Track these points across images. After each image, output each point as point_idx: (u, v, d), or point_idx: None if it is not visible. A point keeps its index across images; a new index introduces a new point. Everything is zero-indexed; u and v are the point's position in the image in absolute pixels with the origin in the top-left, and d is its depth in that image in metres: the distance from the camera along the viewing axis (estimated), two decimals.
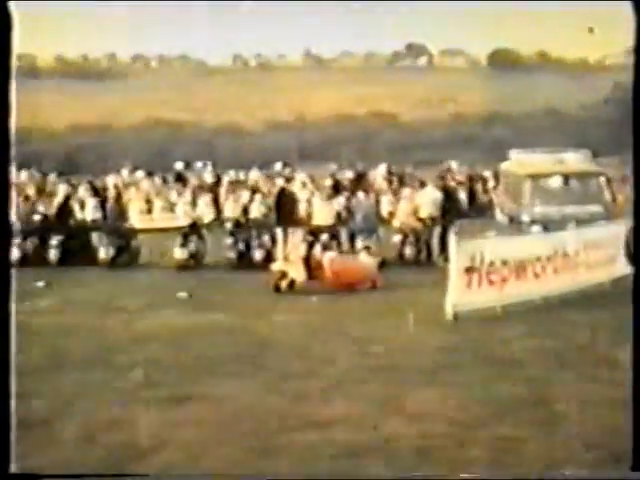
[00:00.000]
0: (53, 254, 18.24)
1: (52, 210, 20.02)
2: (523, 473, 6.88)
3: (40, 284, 15.60)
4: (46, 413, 8.23)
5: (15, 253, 18.27)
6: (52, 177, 25.27)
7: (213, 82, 51.97)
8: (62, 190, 22.27)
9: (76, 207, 20.55)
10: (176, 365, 10.00)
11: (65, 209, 20.17)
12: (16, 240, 18.44)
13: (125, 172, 27.27)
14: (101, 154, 41.19)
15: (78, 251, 18.52)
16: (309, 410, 8.28)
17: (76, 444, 7.52)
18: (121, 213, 19.78)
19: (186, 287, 14.93)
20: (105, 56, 65.52)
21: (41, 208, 20.00)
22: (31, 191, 22.50)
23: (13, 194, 21.34)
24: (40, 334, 11.61)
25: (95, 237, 18.51)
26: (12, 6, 6.08)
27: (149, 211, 23.39)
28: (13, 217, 19.48)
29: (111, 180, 25.25)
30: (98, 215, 20.38)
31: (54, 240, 18.35)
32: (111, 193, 22.74)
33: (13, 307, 6.58)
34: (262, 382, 9.21)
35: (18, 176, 24.86)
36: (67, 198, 20.76)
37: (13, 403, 6.53)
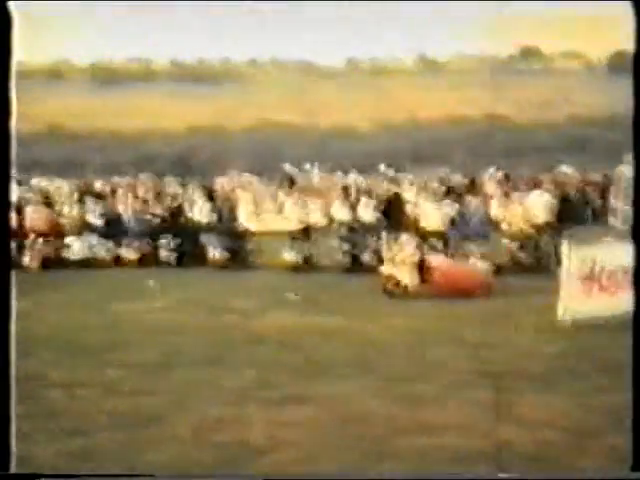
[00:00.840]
0: (167, 255, 18.59)
1: (166, 211, 20.39)
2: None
3: (155, 283, 15.89)
4: (160, 410, 8.34)
5: (131, 254, 18.74)
6: (167, 179, 25.70)
7: (325, 85, 52.35)
8: (176, 191, 22.68)
9: (189, 208, 20.88)
10: (288, 366, 10.04)
11: (178, 210, 20.52)
12: (131, 241, 18.87)
13: (237, 174, 27.55)
14: (214, 156, 41.82)
15: (191, 252, 18.83)
16: (421, 414, 8.22)
17: (189, 442, 7.60)
18: (233, 215, 19.98)
19: (297, 289, 15.00)
20: (219, 59, 66.70)
21: (155, 209, 20.40)
22: (146, 192, 22.95)
23: (129, 195, 21.92)
24: (155, 333, 11.84)
25: (207, 238, 18.77)
26: (12, 6, 6.13)
27: (260, 213, 23.57)
28: (129, 217, 19.96)
29: (223, 182, 25.57)
30: (210, 216, 20.68)
31: (168, 241, 18.70)
32: (223, 195, 23.04)
33: (13, 307, 6.66)
34: (373, 385, 9.18)
35: (136, 177, 25.43)
36: (181, 199, 21.11)
37: (13, 403, 6.59)
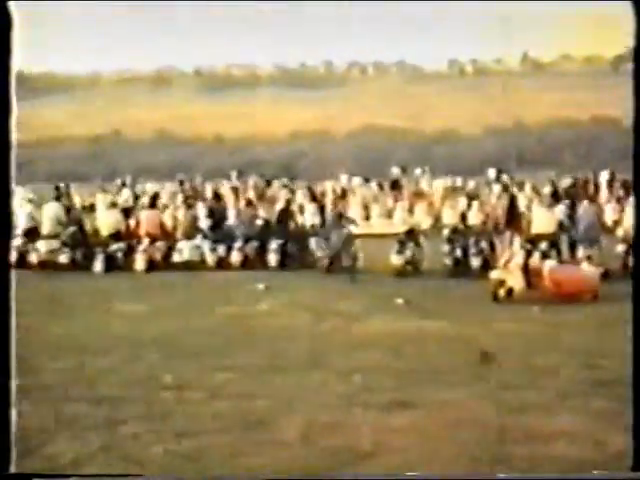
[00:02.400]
0: (273, 258, 18.72)
1: (272, 215, 20.56)
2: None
3: (261, 287, 16.02)
4: (266, 414, 8.36)
5: (238, 257, 18.94)
6: (273, 183, 25.94)
7: (429, 88, 51.95)
8: (283, 195, 22.87)
9: (296, 212, 21.03)
10: (394, 371, 9.97)
11: (285, 214, 20.66)
12: (237, 244, 19.08)
13: (343, 178, 27.65)
14: (318, 160, 41.97)
15: (297, 255, 18.94)
16: (530, 422, 8.05)
17: (295, 446, 7.59)
18: (339, 219, 20.00)
19: (403, 293, 14.90)
20: (322, 64, 66.84)
21: (262, 213, 20.60)
22: (253, 196, 23.22)
23: (236, 199, 22.17)
24: (261, 336, 11.91)
25: (313, 242, 18.83)
26: (12, 6, 6.14)
27: (366, 217, 23.60)
28: (236, 221, 20.20)
29: (329, 186, 25.69)
30: (316, 220, 20.78)
31: (274, 244, 18.83)
32: (329, 199, 23.14)
33: (13, 307, 6.66)
34: (481, 392, 9.03)
35: (243, 182, 25.76)
36: (287, 203, 21.27)
37: (13, 403, 6.61)
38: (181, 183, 25.64)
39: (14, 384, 6.31)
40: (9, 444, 6.08)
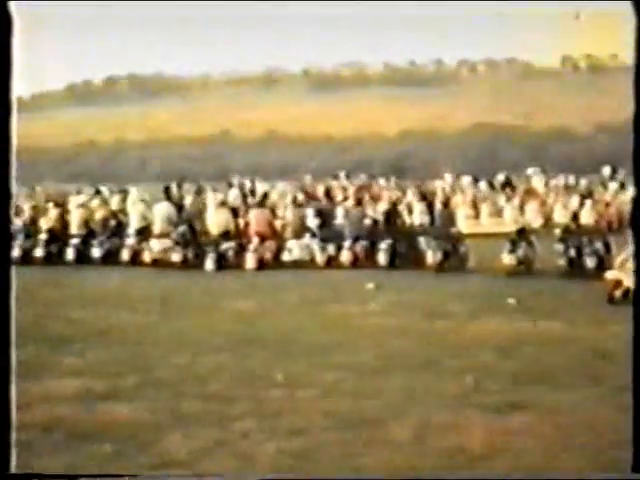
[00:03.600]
0: (383, 257, 18.67)
1: (381, 214, 20.52)
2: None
3: (370, 286, 15.98)
4: (378, 413, 8.31)
5: (346, 255, 18.95)
6: (382, 182, 25.89)
7: (541, 85, 51.12)
8: (390, 194, 22.81)
9: (404, 211, 20.94)
10: (506, 372, 9.81)
11: (394, 213, 20.60)
12: (347, 243, 19.09)
13: (451, 177, 27.44)
14: (427, 159, 41.74)
15: (406, 255, 18.84)
16: None
17: (407, 446, 7.53)
18: (448, 218, 19.84)
19: (515, 294, 14.67)
20: (432, 62, 66.44)
21: (370, 212, 20.57)
22: (362, 196, 23.20)
23: (345, 198, 22.18)
24: (371, 335, 11.87)
25: (423, 241, 18.71)
26: (12, 6, 6.12)
27: (476, 216, 23.35)
28: (343, 220, 20.22)
29: (438, 185, 25.52)
30: (425, 219, 20.66)
31: (384, 244, 18.79)
32: (438, 198, 22.96)
33: (13, 307, 6.63)
34: (598, 394, 8.81)
35: (352, 181, 25.80)
36: (395, 202, 21.20)
37: (13, 404, 6.58)
38: (289, 182, 25.82)
39: (14, 387, 6.35)
40: (9, 444, 6.14)
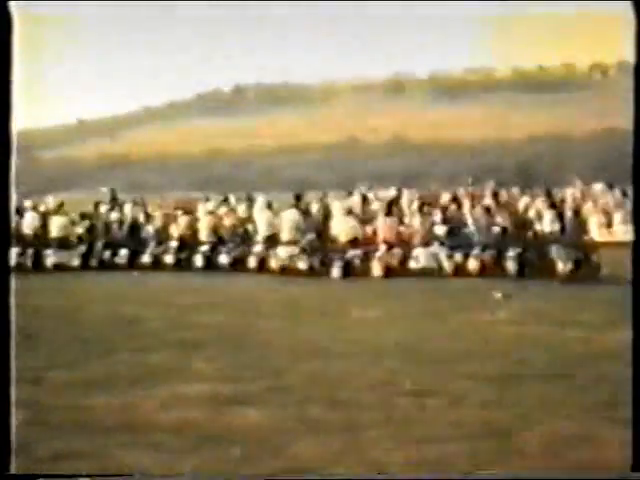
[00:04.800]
0: (512, 266, 18.42)
1: (510, 222, 20.24)
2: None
3: (498, 295, 15.78)
4: (507, 424, 8.18)
5: (473, 264, 18.76)
6: (512, 189, 25.55)
7: None
8: (520, 202, 22.47)
9: (534, 219, 20.60)
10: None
11: (523, 221, 20.30)
12: (475, 251, 18.90)
13: (582, 184, 26.88)
14: (557, 165, 40.97)
15: (536, 263, 18.54)
16: None
17: (537, 458, 7.39)
18: (580, 226, 19.43)
19: None
20: (561, 66, 65.21)
21: (499, 219, 20.31)
22: (490, 202, 22.92)
23: (467, 204, 21.94)
24: (499, 344, 11.72)
25: (553, 250, 18.37)
26: (12, 6, 6.06)
27: (609, 224, 22.82)
28: (471, 228, 20.03)
29: (568, 191, 25.02)
30: (556, 227, 20.26)
31: (512, 252, 18.54)
32: (568, 205, 22.51)
33: (13, 310, 6.56)
34: None
35: (479, 188, 25.51)
36: (524, 210, 20.89)
37: (13, 403, 6.52)
38: (417, 188, 25.70)
39: (13, 390, 6.41)
40: (9, 444, 6.19)
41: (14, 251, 22.86)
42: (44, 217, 24.18)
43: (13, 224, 23.87)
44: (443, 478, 6.91)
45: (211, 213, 23.46)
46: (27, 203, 25.87)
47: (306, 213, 22.38)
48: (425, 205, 22.12)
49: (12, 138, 5.97)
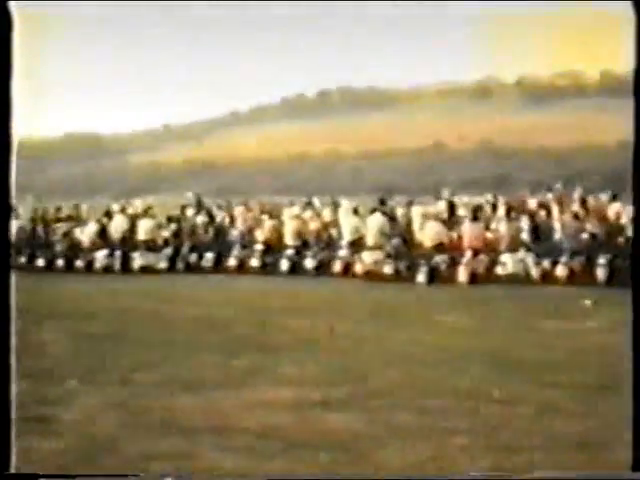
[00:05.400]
0: (601, 273, 18.10)
1: (601, 228, 19.88)
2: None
3: (588, 302, 15.51)
4: (598, 434, 8.02)
5: (562, 271, 18.46)
6: (600, 195, 25.04)
7: None
8: (609, 208, 22.03)
9: (626, 225, 20.18)
10: None
11: (613, 227, 19.92)
12: (563, 258, 18.60)
13: None
14: None
15: (626, 271, 18.14)
16: None
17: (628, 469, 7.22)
18: None
19: None
20: None
21: (589, 226, 19.96)
22: (579, 208, 22.53)
23: (556, 210, 21.58)
24: (589, 354, 11.49)
25: None
26: (12, 6, 5.97)
27: None
28: (560, 234, 19.72)
29: None
30: None
31: (603, 259, 18.20)
32: None
33: (13, 311, 6.45)
34: None
35: (568, 194, 25.09)
36: (616, 216, 20.49)
37: (13, 403, 6.42)
38: (501, 194, 25.39)
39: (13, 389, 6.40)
40: (9, 444, 6.16)
41: (102, 253, 23.30)
42: (132, 220, 24.56)
43: (101, 227, 24.29)
44: (444, 478, 6.83)
45: (296, 217, 23.56)
46: (115, 206, 26.33)
47: (391, 218, 22.31)
48: (512, 211, 21.85)
49: (12, 138, 6.03)
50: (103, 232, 24.36)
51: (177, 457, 7.03)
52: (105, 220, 24.93)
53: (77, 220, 26.28)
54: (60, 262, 23.88)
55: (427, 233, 20.74)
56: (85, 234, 24.46)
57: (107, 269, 23.10)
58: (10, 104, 5.97)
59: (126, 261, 23.23)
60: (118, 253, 23.33)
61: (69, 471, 6.83)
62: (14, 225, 25.55)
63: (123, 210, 25.44)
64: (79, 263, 23.57)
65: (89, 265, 23.37)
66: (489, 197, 24.97)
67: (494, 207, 22.81)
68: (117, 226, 24.31)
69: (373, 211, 22.09)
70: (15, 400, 8.98)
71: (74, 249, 24.19)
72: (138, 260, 23.19)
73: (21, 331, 13.59)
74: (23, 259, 24.41)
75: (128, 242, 23.80)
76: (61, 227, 25.26)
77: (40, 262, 24.13)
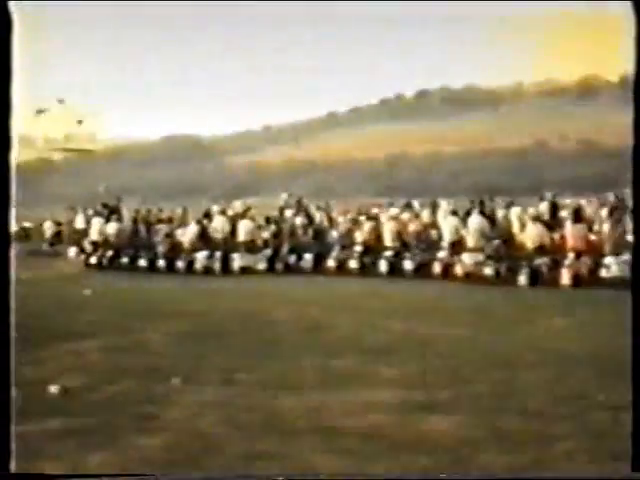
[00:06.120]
0: None
1: None
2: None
3: None
4: None
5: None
6: None
7: None
8: None
9: None
10: None
11: None
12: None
13: None
14: None
15: None
16: None
17: None
18: None
19: None
20: None
21: None
22: None
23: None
24: None
25: None
26: (12, 6, 5.83)
27: None
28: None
29: None
30: None
31: None
32: None
33: (12, 311, 6.28)
34: None
35: None
36: None
37: (13, 402, 6.24)
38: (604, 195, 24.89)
39: (13, 391, 6.34)
40: (9, 444, 6.11)
41: (202, 254, 23.59)
42: (232, 221, 24.80)
43: (202, 228, 24.60)
44: (443, 478, 6.68)
45: (395, 218, 23.47)
46: (215, 208, 26.64)
47: (492, 219, 22.05)
48: (615, 211, 21.35)
49: (12, 138, 6.08)
50: (203, 233, 24.65)
51: (279, 458, 7.06)
52: (205, 221, 25.24)
53: (178, 221, 26.70)
54: (161, 263, 24.26)
55: (528, 234, 20.42)
56: (186, 235, 24.80)
57: (207, 270, 23.37)
58: (10, 104, 6.09)
59: (226, 262, 23.46)
60: (218, 254, 23.58)
61: (172, 469, 6.92)
62: (116, 227, 26.12)
63: (223, 212, 25.72)
64: (180, 264, 23.90)
65: (189, 266, 23.68)
66: (591, 198, 24.50)
67: (598, 208, 22.36)
68: (217, 227, 24.57)
69: (472, 212, 21.85)
70: (121, 398, 9.15)
71: (175, 250, 24.56)
72: (238, 261, 23.41)
73: (126, 330, 13.85)
74: (126, 259, 24.90)
75: (228, 243, 24.05)
76: (163, 228, 25.68)
77: (142, 262, 24.54)
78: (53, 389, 9.30)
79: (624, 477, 6.61)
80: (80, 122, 40.39)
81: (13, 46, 6.00)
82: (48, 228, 34.75)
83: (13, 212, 6.26)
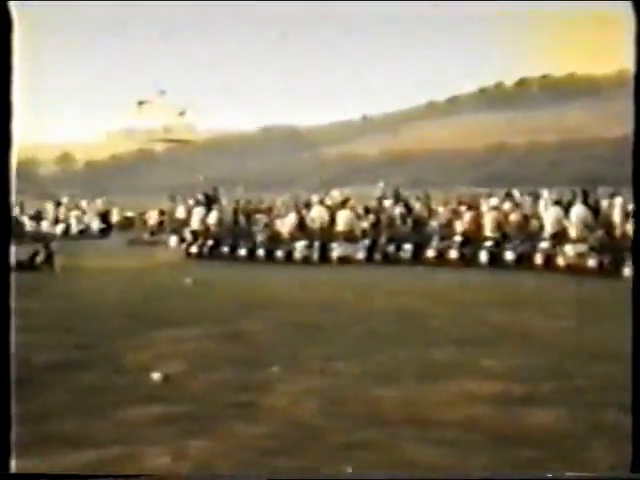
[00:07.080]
0: None
1: None
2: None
3: None
4: None
5: None
6: None
7: None
8: None
9: None
10: None
11: None
12: None
13: None
14: None
15: None
16: None
17: None
18: None
19: None
20: None
21: None
22: None
23: None
24: None
25: None
26: (12, 6, 5.65)
27: None
28: None
29: None
30: None
31: None
32: None
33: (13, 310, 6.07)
34: None
35: None
36: None
37: (14, 402, 6.04)
38: None
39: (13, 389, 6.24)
40: (9, 444, 6.02)
41: (301, 244, 23.70)
42: (330, 211, 24.84)
43: (301, 218, 24.71)
44: (442, 478, 6.53)
45: (495, 209, 23.19)
46: (314, 197, 26.73)
47: (595, 209, 21.60)
48: None
49: (12, 137, 6.08)
50: (302, 223, 24.75)
51: (377, 448, 7.03)
52: (304, 211, 25.34)
53: (276, 211, 26.87)
54: (261, 252, 24.44)
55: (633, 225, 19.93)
56: (285, 225, 24.94)
57: (306, 259, 23.47)
58: (10, 104, 6.12)
59: (324, 252, 23.51)
60: (317, 244, 23.65)
61: (268, 456, 6.95)
62: (217, 216, 26.44)
63: (322, 202, 25.78)
64: (279, 253, 24.05)
65: (288, 255, 23.81)
66: None
67: None
68: (316, 217, 24.64)
69: (575, 202, 21.44)
70: (221, 385, 9.25)
71: (274, 239, 24.72)
72: (336, 251, 23.44)
73: (226, 318, 13.97)
74: (226, 249, 25.17)
75: (326, 233, 24.09)
76: (262, 218, 25.88)
77: (242, 252, 24.77)
78: (156, 376, 9.44)
79: (624, 477, 6.47)
80: (182, 114, 40.92)
81: (13, 46, 6.06)
82: (150, 217, 35.39)
83: (16, 210, 6.37)
